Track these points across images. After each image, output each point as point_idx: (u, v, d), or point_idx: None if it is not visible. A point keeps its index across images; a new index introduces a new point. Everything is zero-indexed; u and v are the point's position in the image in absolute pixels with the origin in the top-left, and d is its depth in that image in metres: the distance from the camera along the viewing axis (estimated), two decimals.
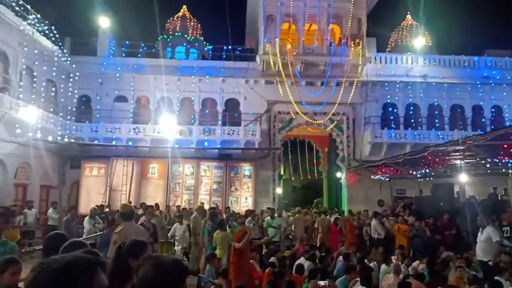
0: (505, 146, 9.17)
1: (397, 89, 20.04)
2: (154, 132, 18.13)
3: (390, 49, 22.93)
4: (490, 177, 15.53)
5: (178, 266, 1.87)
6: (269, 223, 11.92)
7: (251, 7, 20.73)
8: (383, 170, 16.79)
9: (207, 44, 21.37)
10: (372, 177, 18.42)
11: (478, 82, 20.08)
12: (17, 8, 14.50)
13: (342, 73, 19.12)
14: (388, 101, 20.22)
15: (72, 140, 17.39)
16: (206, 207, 14.68)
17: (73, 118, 18.46)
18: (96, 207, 12.89)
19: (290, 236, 12.33)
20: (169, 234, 10.74)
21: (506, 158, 10.53)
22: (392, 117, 20.19)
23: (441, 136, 18.44)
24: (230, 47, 20.25)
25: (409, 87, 20.07)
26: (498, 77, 20.18)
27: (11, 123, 14.00)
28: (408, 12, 23.87)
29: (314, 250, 9.41)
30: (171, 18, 22.38)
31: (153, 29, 21.01)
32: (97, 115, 18.88)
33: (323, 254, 8.87)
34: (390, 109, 20.27)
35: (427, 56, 20.76)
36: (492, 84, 20.15)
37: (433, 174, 16.00)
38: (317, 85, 19.37)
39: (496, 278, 5.86)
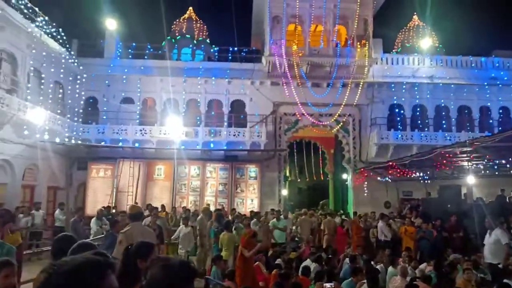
0: None
1: (403, 90, 19.94)
2: (160, 134, 18.20)
3: (397, 50, 22.83)
4: (498, 179, 15.40)
5: (187, 268, 1.89)
6: (275, 225, 11.91)
7: (257, 9, 20.75)
8: (390, 172, 16.66)
9: (213, 45, 21.44)
10: (379, 178, 18.32)
11: (486, 83, 19.92)
12: (25, 11, 14.63)
13: (348, 74, 19.06)
14: (395, 102, 20.12)
15: (79, 142, 17.51)
16: (212, 208, 14.73)
17: (80, 120, 18.58)
18: (103, 209, 12.94)
19: (296, 238, 12.29)
20: (173, 237, 10.73)
21: None
22: (398, 119, 20.08)
23: (448, 138, 18.30)
24: (236, 48, 20.30)
25: (416, 88, 19.96)
26: (505, 78, 19.99)
27: (19, 124, 14.12)
28: (415, 13, 23.78)
29: (320, 252, 9.38)
30: (177, 20, 22.45)
31: (160, 31, 21.14)
32: (104, 117, 18.99)
33: (329, 256, 8.85)
34: (397, 110, 20.16)
35: (434, 57, 20.64)
36: (500, 85, 19.98)
37: (440, 175, 15.89)
38: (323, 87, 19.33)
39: (505, 281, 5.81)
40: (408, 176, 16.30)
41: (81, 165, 18.27)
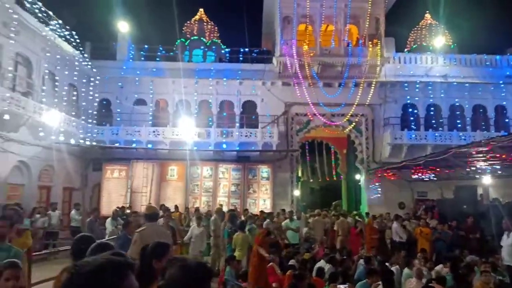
0: None
1: (417, 90, 19.71)
2: (173, 135, 18.32)
3: (409, 49, 22.59)
4: None
5: (204, 269, 1.90)
6: (288, 226, 11.87)
7: (267, 9, 20.75)
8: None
9: (224, 46, 21.51)
10: (393, 178, 18.13)
11: (501, 82, 19.59)
12: (39, 15, 14.86)
13: (360, 73, 18.92)
14: (408, 101, 19.90)
15: (94, 143, 17.74)
16: (225, 209, 14.76)
17: (94, 121, 18.80)
18: (117, 209, 13.10)
19: (310, 239, 12.23)
20: (185, 238, 10.76)
21: None
22: (412, 118, 19.83)
23: (463, 137, 18.03)
24: (247, 49, 20.36)
25: (430, 87, 19.71)
26: None
27: (35, 126, 14.35)
28: (427, 11, 23.50)
29: (334, 253, 9.32)
30: (189, 22, 22.60)
31: (171, 33, 21.28)
32: (118, 118, 19.21)
33: (344, 257, 8.78)
34: (410, 109, 19.93)
35: (447, 56, 20.37)
36: None
37: (455, 176, 15.64)
38: (335, 86, 19.21)
39: None
40: (423, 176, 16.07)
41: (95, 166, 18.51)
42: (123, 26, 20.11)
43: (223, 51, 21.39)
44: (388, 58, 19.33)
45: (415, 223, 12.63)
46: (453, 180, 15.98)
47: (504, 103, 20.06)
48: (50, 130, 14.99)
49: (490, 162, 12.06)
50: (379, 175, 18.46)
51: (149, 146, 18.17)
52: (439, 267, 7.96)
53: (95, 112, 19.07)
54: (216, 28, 22.51)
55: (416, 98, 19.87)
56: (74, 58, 17.30)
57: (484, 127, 19.67)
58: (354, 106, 18.87)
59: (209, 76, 19.22)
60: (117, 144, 17.99)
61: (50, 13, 15.57)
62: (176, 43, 20.87)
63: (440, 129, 19.53)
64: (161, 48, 20.51)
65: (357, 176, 21.05)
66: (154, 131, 18.42)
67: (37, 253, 10.62)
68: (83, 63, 18.02)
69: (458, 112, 19.92)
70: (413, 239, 11.45)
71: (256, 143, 18.40)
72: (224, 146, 18.39)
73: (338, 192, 26.10)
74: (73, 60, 17.29)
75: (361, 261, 8.28)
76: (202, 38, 21.47)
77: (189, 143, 17.86)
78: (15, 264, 3.17)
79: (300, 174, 26.52)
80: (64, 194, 17.27)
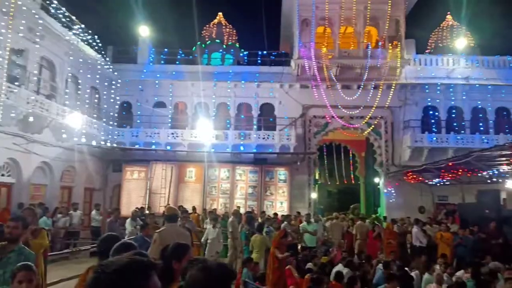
0: None
1: (438, 92, 19.36)
2: (191, 137, 18.50)
3: (430, 51, 22.20)
4: None
5: (225, 270, 1.91)
6: (305, 228, 11.82)
7: (285, 12, 20.74)
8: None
9: (242, 49, 21.63)
10: (413, 182, 17.83)
11: None
12: (63, 19, 15.26)
13: (380, 75, 18.69)
14: (429, 104, 19.56)
15: (114, 145, 18.10)
16: (242, 211, 14.80)
17: (115, 124, 19.18)
18: (137, 209, 13.28)
19: (328, 243, 12.14)
20: (202, 239, 10.81)
21: None
22: (433, 121, 19.48)
23: (485, 141, 17.61)
24: (265, 52, 20.41)
25: (451, 90, 19.33)
26: None
27: (57, 128, 14.73)
28: (449, 12, 23.06)
29: (352, 256, 9.23)
30: (207, 25, 22.82)
31: (190, 37, 21.59)
32: (138, 121, 19.53)
33: (362, 261, 8.69)
34: (431, 112, 19.59)
35: (469, 57, 19.92)
36: None
37: (477, 180, 15.29)
38: (354, 89, 19.05)
39: None
40: (444, 180, 15.75)
41: (116, 167, 18.86)
42: (144, 31, 20.46)
43: (241, 54, 21.51)
44: (408, 60, 19.05)
45: (436, 227, 12.39)
46: (475, 184, 15.61)
47: None
48: (72, 132, 15.35)
49: None
50: (399, 178, 18.18)
51: (168, 148, 18.40)
52: (460, 273, 7.79)
53: (116, 115, 19.45)
54: (234, 31, 22.66)
55: (437, 101, 19.52)
56: (96, 61, 17.69)
57: (507, 130, 19.13)
58: (373, 108, 18.66)
59: (227, 79, 19.35)
60: (136, 146, 18.30)
61: (74, 18, 15.96)
62: (195, 46, 21.08)
63: (462, 132, 19.10)
64: (180, 52, 20.79)
65: (376, 179, 20.79)
66: (173, 133, 18.65)
67: (58, 252, 10.88)
68: (105, 66, 18.41)
69: (480, 115, 19.48)
70: (434, 244, 11.23)
71: (273, 145, 18.41)
72: (242, 148, 18.46)
73: (356, 195, 25.86)
74: (95, 64, 17.68)
75: (380, 265, 8.18)
76: (220, 41, 21.63)
77: (207, 145, 18.02)
78: (28, 266, 3.22)
79: (317, 177, 26.38)
80: (85, 194, 17.65)
